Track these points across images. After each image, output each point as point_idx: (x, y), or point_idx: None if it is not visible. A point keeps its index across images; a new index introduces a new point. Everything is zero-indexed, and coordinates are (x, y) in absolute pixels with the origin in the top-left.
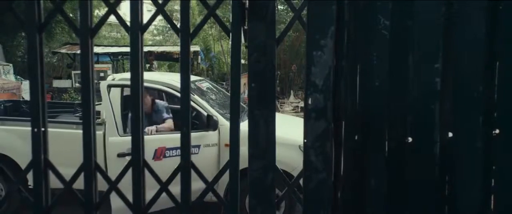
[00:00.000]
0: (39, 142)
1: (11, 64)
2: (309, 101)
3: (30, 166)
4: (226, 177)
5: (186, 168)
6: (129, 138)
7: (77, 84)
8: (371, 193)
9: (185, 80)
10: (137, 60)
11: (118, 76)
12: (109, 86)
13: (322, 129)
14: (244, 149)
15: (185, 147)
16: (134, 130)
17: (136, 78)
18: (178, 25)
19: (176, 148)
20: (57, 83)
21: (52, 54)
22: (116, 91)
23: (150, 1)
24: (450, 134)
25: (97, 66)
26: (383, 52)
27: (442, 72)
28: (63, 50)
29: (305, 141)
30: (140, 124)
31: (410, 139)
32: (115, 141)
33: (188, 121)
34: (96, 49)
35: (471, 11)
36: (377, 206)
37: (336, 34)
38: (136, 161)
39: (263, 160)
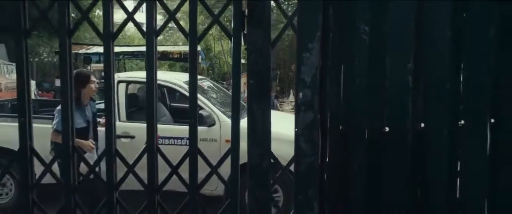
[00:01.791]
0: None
1: (14, 64)
2: (299, 96)
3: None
4: (226, 174)
5: (193, 153)
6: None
7: None
8: (353, 175)
9: (193, 78)
10: (152, 61)
11: (122, 75)
12: (118, 82)
13: (310, 120)
14: (243, 144)
15: (193, 135)
16: (149, 119)
17: (151, 77)
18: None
19: (168, 137)
20: (59, 82)
21: (54, 54)
22: (121, 89)
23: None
24: (422, 125)
25: (98, 66)
26: (363, 54)
27: (413, 71)
28: None
29: (296, 129)
30: (154, 114)
31: (387, 129)
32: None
33: (195, 113)
34: (98, 49)
35: (438, 18)
36: (358, 186)
37: (322, 39)
38: (150, 146)
39: (260, 147)
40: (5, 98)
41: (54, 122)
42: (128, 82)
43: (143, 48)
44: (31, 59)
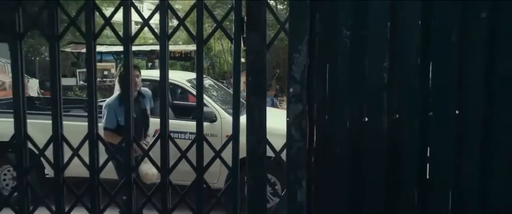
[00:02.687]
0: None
1: None
2: (290, 90)
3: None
4: (225, 170)
5: (199, 140)
6: None
7: (82, 82)
8: (336, 158)
9: (199, 77)
10: (164, 62)
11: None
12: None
13: (300, 110)
14: (242, 139)
15: (199, 125)
16: (162, 113)
17: (163, 76)
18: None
19: (172, 132)
20: (62, 81)
21: None
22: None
23: (151, 0)
24: (397, 115)
25: (100, 65)
26: (344, 54)
27: (388, 70)
28: (68, 49)
29: (288, 119)
30: (166, 107)
31: (366, 119)
32: None
33: (201, 107)
34: (100, 48)
35: (409, 24)
36: (341, 168)
37: (309, 41)
38: (163, 134)
39: (257, 134)
40: (11, 96)
41: (103, 119)
42: None
43: (144, 47)
44: (33, 58)
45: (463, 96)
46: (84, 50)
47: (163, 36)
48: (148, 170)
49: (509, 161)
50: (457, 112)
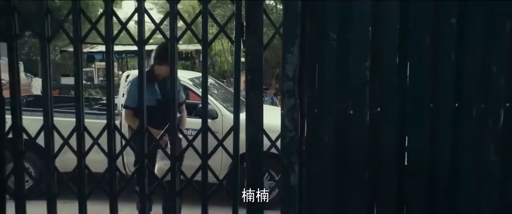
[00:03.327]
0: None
1: (21, 62)
2: (284, 87)
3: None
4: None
5: (205, 131)
6: None
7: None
8: (324, 146)
9: (205, 75)
10: (174, 63)
11: (134, 72)
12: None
13: (292, 104)
14: (242, 136)
15: (205, 118)
16: (171, 108)
17: (174, 75)
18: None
19: None
20: (64, 80)
21: (60, 53)
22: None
23: (152, 0)
24: (378, 109)
25: (102, 64)
26: (331, 55)
27: (370, 68)
28: (70, 49)
29: (282, 111)
30: (176, 104)
31: (351, 111)
32: None
33: (206, 102)
34: (101, 48)
35: (388, 28)
36: (328, 154)
37: (301, 44)
38: (173, 127)
39: (255, 124)
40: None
41: (125, 96)
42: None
43: (146, 48)
44: (35, 58)
45: (436, 91)
46: (85, 50)
47: (173, 39)
48: (164, 166)
49: (473, 147)
50: (431, 105)
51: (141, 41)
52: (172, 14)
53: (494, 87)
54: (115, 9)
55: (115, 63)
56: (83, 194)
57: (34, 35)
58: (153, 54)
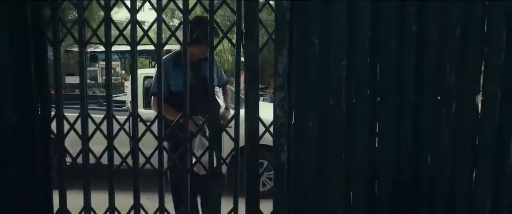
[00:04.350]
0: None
1: None
2: (276, 82)
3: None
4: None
5: (213, 118)
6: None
7: (88, 81)
8: (308, 130)
9: (211, 75)
10: (185, 65)
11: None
12: (146, 78)
13: (282, 96)
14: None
15: (212, 107)
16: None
17: (185, 76)
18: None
19: None
20: (69, 80)
21: (65, 52)
22: (140, 83)
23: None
24: (353, 100)
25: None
26: (314, 56)
27: (346, 67)
28: (75, 49)
29: (274, 102)
30: (186, 103)
31: (331, 102)
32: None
33: (213, 96)
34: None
35: (360, 34)
36: (312, 137)
37: (289, 47)
38: (185, 115)
39: (252, 115)
40: None
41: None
42: (146, 77)
43: (148, 47)
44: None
45: (400, 86)
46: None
47: (185, 44)
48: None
49: (431, 132)
50: (397, 98)
51: (159, 45)
52: (185, 23)
53: (447, 83)
54: (118, 9)
55: (119, 63)
56: (112, 170)
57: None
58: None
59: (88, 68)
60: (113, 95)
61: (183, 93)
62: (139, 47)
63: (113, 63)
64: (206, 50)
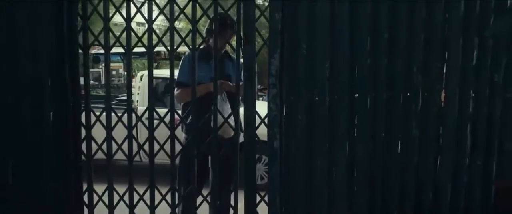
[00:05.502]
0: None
1: None
2: (270, 81)
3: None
4: None
5: (214, 110)
6: None
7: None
8: (298, 122)
9: (215, 76)
10: (194, 68)
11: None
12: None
13: (275, 92)
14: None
15: (215, 102)
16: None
17: (193, 78)
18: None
19: None
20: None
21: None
22: (146, 82)
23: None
24: (335, 96)
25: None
26: (302, 59)
27: (329, 68)
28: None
29: (268, 98)
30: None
31: (316, 98)
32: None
33: (216, 87)
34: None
35: (341, 41)
36: (300, 128)
37: (281, 51)
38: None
39: (250, 109)
40: None
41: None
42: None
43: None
44: None
45: (375, 84)
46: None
47: (193, 49)
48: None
49: (401, 124)
50: (373, 94)
51: (172, 50)
52: (193, 32)
53: (415, 81)
54: (120, 10)
55: (121, 64)
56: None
57: None
58: (206, 28)
59: (92, 70)
60: (120, 95)
61: None
62: (141, 49)
63: (116, 64)
64: (224, 43)
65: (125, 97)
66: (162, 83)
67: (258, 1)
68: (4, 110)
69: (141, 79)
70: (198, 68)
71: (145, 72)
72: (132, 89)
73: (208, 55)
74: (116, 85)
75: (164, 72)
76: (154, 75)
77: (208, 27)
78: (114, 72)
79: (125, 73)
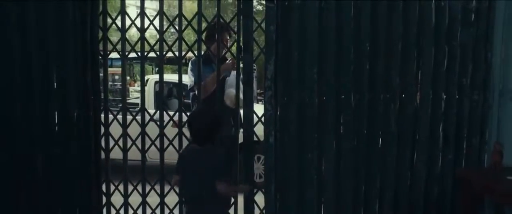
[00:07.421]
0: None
1: None
2: (265, 84)
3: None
4: None
5: (218, 108)
6: None
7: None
8: (291, 120)
9: (218, 76)
10: (199, 73)
11: (152, 77)
12: (156, 82)
13: (270, 94)
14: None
15: (219, 98)
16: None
17: (200, 82)
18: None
19: None
20: None
21: None
22: (150, 86)
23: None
24: (324, 98)
25: (111, 70)
26: (294, 65)
27: (317, 73)
28: None
29: (264, 99)
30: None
31: (307, 99)
32: None
33: (221, 92)
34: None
35: (328, 49)
36: (292, 125)
37: (276, 58)
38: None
39: (248, 108)
40: None
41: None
42: (156, 82)
43: (151, 54)
44: None
45: (358, 87)
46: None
47: (199, 55)
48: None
49: (381, 122)
50: (356, 96)
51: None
52: (199, 40)
53: (393, 84)
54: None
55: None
56: (144, 148)
57: None
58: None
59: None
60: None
61: None
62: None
63: (118, 69)
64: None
65: (132, 100)
66: (166, 87)
67: (258, 7)
68: (35, 109)
69: (146, 83)
70: (205, 70)
71: (151, 76)
72: (135, 93)
73: (210, 58)
74: (118, 90)
75: (167, 77)
76: (157, 80)
77: (206, 34)
78: (116, 77)
79: (128, 78)
